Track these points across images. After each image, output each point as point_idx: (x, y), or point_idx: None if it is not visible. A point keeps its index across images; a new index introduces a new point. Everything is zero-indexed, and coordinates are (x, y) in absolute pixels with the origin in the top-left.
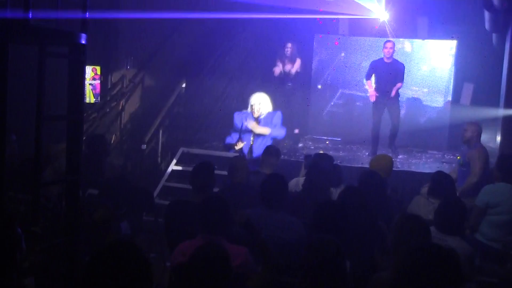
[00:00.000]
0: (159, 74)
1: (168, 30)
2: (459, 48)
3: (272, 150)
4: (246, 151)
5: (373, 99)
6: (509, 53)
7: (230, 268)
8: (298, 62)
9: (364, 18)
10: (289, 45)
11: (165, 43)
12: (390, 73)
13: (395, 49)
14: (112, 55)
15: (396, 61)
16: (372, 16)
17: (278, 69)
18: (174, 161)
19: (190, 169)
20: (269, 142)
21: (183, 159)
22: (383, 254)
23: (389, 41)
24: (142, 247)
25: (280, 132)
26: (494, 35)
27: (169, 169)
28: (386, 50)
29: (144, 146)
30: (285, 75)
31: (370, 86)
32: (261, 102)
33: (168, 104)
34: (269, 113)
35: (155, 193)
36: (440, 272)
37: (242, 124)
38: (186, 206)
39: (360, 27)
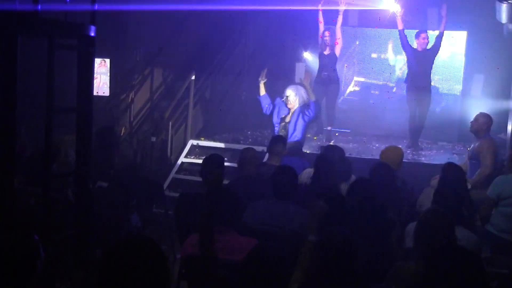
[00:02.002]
0: (168, 67)
1: (177, 23)
2: (469, 39)
3: (278, 138)
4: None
5: None
6: None
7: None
8: (339, 45)
9: (374, 10)
10: (327, 33)
11: (174, 37)
12: (422, 65)
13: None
14: (122, 48)
15: (427, 50)
16: (383, 7)
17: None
18: (184, 153)
19: (199, 161)
20: (299, 136)
21: (192, 151)
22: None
23: (423, 31)
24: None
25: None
26: (505, 26)
27: (179, 162)
28: (421, 41)
29: (153, 139)
30: (329, 61)
31: None
32: (295, 96)
33: (178, 96)
34: (304, 106)
35: (165, 185)
36: (465, 277)
37: (279, 111)
38: (196, 199)
39: (369, 18)
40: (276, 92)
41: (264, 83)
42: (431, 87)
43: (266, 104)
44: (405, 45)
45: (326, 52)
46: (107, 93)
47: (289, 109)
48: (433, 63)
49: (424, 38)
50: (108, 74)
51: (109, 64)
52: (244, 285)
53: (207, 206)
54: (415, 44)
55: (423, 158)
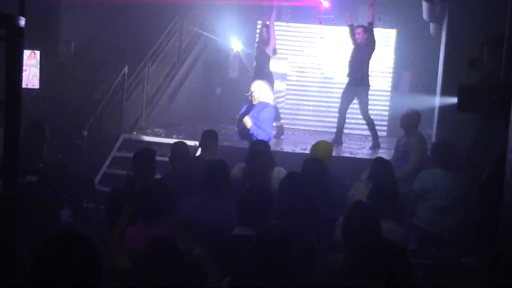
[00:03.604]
0: (101, 60)
1: (110, 15)
2: (398, 37)
3: (211, 134)
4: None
5: None
6: (445, 43)
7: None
8: (273, 42)
9: (307, 6)
10: (264, 29)
11: (107, 28)
12: (360, 60)
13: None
14: (53, 40)
15: (364, 45)
16: (314, 3)
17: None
18: (116, 147)
19: (131, 155)
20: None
21: (124, 145)
22: (322, 237)
23: (359, 26)
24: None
25: (260, 134)
26: (431, 25)
27: (111, 156)
28: (358, 36)
29: (85, 133)
30: (265, 57)
31: None
32: (260, 90)
33: (111, 90)
34: (261, 103)
35: (96, 180)
36: (390, 269)
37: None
38: (128, 193)
39: (302, 14)
40: (210, 83)
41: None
42: (368, 82)
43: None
44: (352, 33)
45: (263, 49)
46: (36, 86)
47: (250, 105)
48: (370, 56)
49: (359, 33)
50: (38, 66)
51: (39, 56)
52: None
53: (135, 199)
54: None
55: (354, 153)
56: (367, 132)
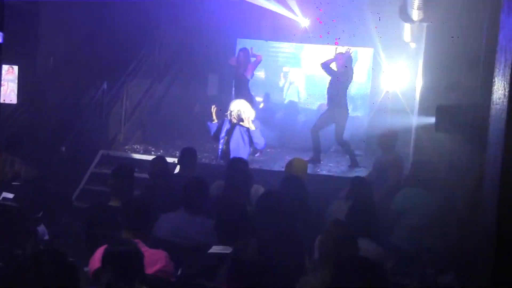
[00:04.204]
0: (80, 76)
1: (89, 30)
2: (375, 57)
3: (190, 151)
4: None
5: None
6: (423, 63)
7: None
8: (251, 66)
9: (286, 24)
10: (241, 53)
11: (86, 43)
12: (341, 85)
13: None
14: (32, 55)
15: (344, 72)
16: (294, 21)
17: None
18: (94, 163)
19: (110, 171)
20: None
21: (103, 161)
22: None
23: (340, 53)
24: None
25: (261, 140)
26: (409, 44)
27: (89, 172)
28: (339, 62)
29: (63, 148)
30: (244, 79)
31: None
32: (240, 110)
33: (90, 105)
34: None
35: (74, 196)
36: (368, 285)
37: (223, 127)
38: (106, 210)
39: (280, 33)
40: (189, 100)
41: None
42: (347, 110)
43: (214, 128)
44: (328, 70)
45: (241, 73)
46: (14, 101)
47: (232, 124)
48: (348, 85)
49: (340, 59)
50: (16, 81)
51: (17, 71)
52: None
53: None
54: (333, 65)
55: (332, 171)
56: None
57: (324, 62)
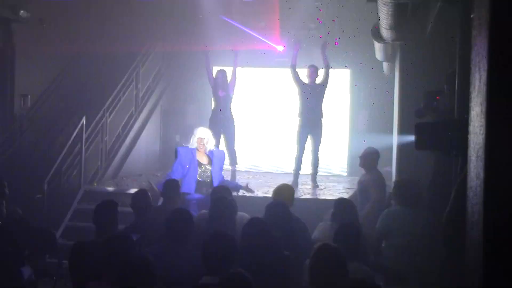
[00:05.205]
0: (57, 112)
1: (65, 66)
2: (352, 77)
3: (172, 183)
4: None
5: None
6: (398, 81)
7: None
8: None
9: (262, 49)
10: (219, 74)
11: (63, 80)
12: (315, 99)
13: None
14: (8, 93)
15: (317, 85)
16: (270, 46)
17: (215, 91)
18: (77, 200)
19: (93, 207)
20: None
21: (85, 197)
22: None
23: (312, 65)
24: None
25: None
26: (384, 64)
27: (72, 209)
28: (311, 75)
29: (45, 186)
30: (224, 101)
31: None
32: (209, 138)
33: (69, 142)
34: (218, 151)
35: (58, 234)
36: None
37: (191, 159)
38: (91, 247)
39: (258, 58)
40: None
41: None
42: (322, 121)
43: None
44: (297, 80)
45: (221, 93)
46: None
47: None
48: (323, 96)
49: (312, 72)
50: None
51: None
52: None
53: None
54: (305, 79)
55: (316, 194)
56: (328, 172)
57: (295, 77)
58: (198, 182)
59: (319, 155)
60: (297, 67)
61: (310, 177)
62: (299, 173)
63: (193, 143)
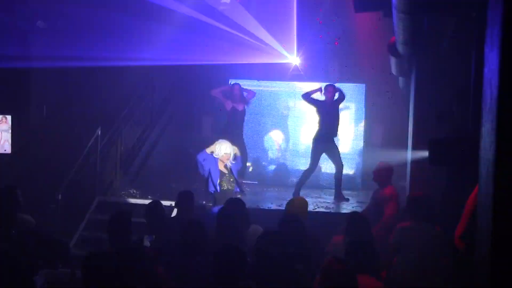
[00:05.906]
0: (74, 123)
1: (82, 77)
2: (368, 92)
3: (187, 194)
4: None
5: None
6: (414, 96)
7: None
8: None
9: (277, 63)
10: (237, 87)
11: (79, 91)
12: (333, 116)
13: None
14: (25, 104)
15: (334, 101)
16: (285, 61)
17: (228, 105)
18: (91, 210)
19: (107, 218)
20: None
21: (100, 208)
22: None
23: (330, 85)
24: None
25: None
26: (400, 79)
27: (86, 219)
28: (329, 95)
29: (59, 196)
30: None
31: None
32: (233, 154)
33: (84, 152)
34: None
35: (71, 244)
36: None
37: (213, 168)
38: (104, 257)
39: (272, 72)
40: (184, 144)
41: None
42: (335, 140)
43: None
44: (312, 100)
45: (235, 107)
46: (8, 151)
47: (224, 163)
48: (339, 112)
49: (330, 92)
50: (10, 131)
51: (10, 121)
52: None
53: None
54: (320, 96)
55: (330, 208)
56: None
57: (306, 92)
58: (222, 191)
59: (343, 163)
60: (306, 80)
61: (334, 193)
62: (300, 187)
63: (218, 153)
